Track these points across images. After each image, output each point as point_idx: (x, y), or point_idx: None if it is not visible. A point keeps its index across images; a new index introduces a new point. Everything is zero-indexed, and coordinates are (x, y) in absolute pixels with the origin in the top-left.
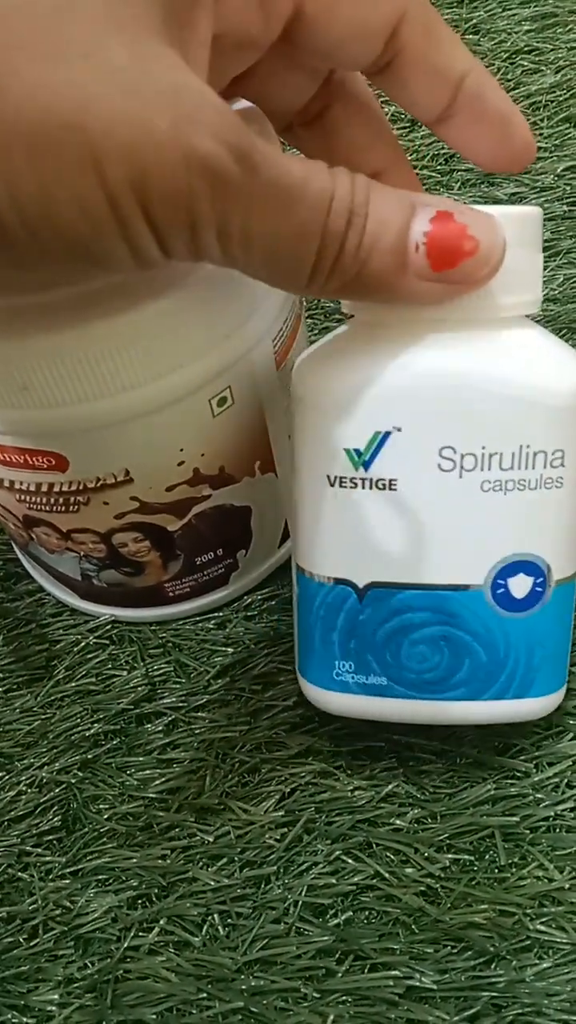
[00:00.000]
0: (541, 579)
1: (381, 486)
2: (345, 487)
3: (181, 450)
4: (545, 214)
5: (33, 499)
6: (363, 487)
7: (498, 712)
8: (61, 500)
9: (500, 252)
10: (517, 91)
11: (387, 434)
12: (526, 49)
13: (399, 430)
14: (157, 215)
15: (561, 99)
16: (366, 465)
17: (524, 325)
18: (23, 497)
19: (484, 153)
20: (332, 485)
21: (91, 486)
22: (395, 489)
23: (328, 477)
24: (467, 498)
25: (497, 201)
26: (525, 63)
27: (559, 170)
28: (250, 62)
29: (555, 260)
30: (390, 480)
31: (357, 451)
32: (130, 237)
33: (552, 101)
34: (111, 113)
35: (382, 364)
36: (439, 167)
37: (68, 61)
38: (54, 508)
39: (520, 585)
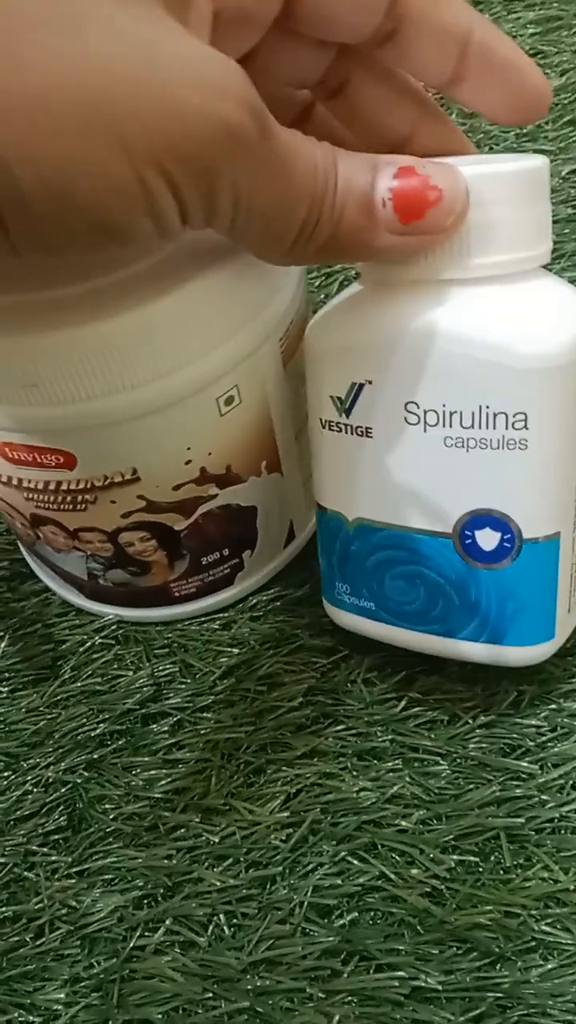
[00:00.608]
0: (509, 536)
1: (359, 432)
2: (333, 431)
3: (188, 449)
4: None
5: (41, 497)
6: (346, 432)
7: (475, 652)
8: (69, 498)
9: (463, 199)
10: None
11: (361, 386)
12: (531, 52)
13: (370, 383)
14: (182, 186)
15: (566, 102)
16: (347, 412)
17: (535, 279)
18: (31, 495)
19: (500, 106)
20: (324, 427)
21: (99, 484)
22: (371, 437)
23: (321, 420)
24: (432, 452)
25: None
26: None
27: (564, 173)
28: (254, 40)
29: (560, 263)
30: (366, 428)
31: (339, 399)
32: (155, 210)
33: (557, 104)
34: (136, 87)
35: (365, 320)
36: None
37: (90, 36)
38: (62, 507)
39: (487, 539)
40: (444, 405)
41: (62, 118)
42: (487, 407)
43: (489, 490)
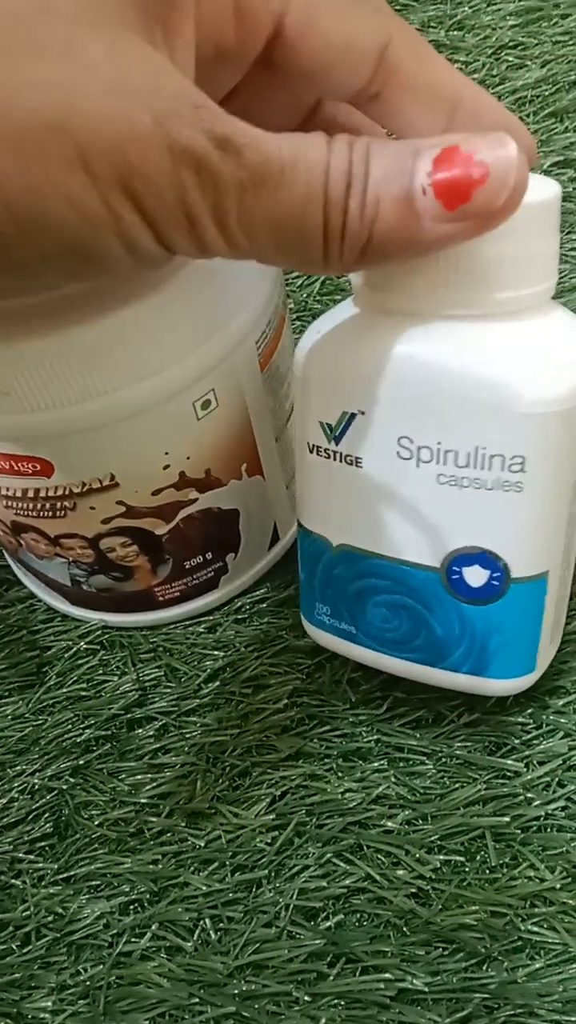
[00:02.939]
0: (498, 574)
1: (348, 461)
2: (321, 456)
3: (166, 453)
4: None
5: (20, 505)
6: (334, 459)
7: (454, 681)
8: (48, 505)
9: (517, 171)
10: (503, 86)
11: (353, 415)
12: (511, 44)
13: (363, 413)
14: (150, 208)
15: (547, 94)
16: (336, 440)
17: (544, 314)
18: (10, 503)
19: None
20: (311, 452)
21: (77, 491)
22: (360, 467)
23: (308, 444)
24: (424, 487)
25: None
26: (510, 58)
27: (546, 166)
28: (235, 78)
29: None
30: (356, 458)
31: (329, 426)
32: (124, 233)
33: (538, 96)
34: (94, 111)
35: (361, 349)
36: None
37: (49, 61)
38: (41, 513)
39: (475, 575)
40: (439, 443)
41: (22, 141)
42: (484, 448)
43: (481, 529)
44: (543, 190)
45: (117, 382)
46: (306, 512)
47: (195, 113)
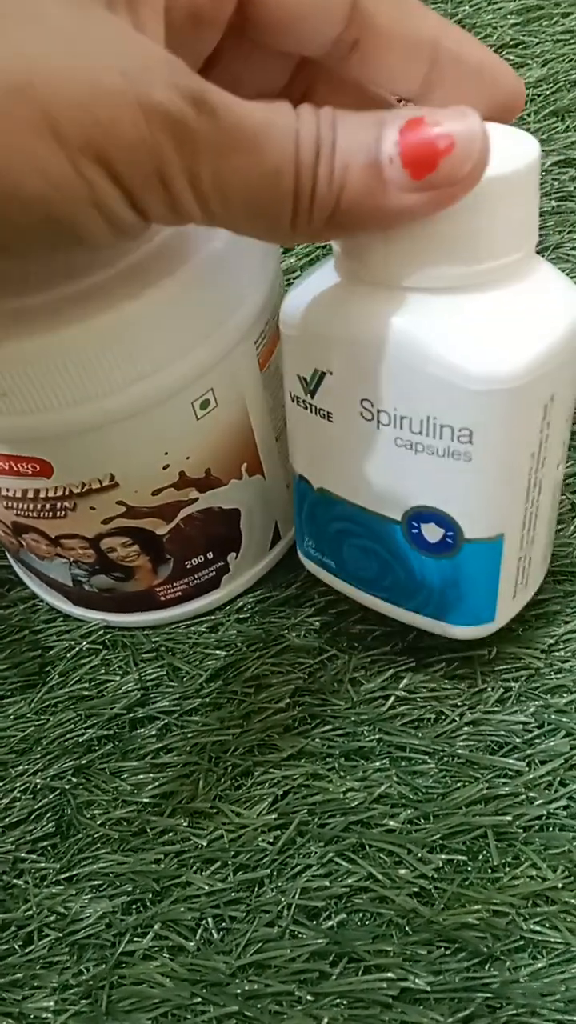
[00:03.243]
0: (452, 533)
1: (322, 415)
2: (300, 406)
3: (166, 453)
4: None
5: (20, 505)
6: (310, 411)
7: (419, 621)
8: (48, 506)
9: (480, 142)
10: None
11: (323, 374)
12: (512, 43)
13: (331, 373)
14: (123, 172)
15: (548, 92)
16: (311, 394)
17: (518, 281)
18: (10, 504)
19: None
20: (293, 401)
21: (77, 491)
22: (331, 421)
23: (290, 394)
24: (384, 447)
25: None
26: (511, 57)
27: (547, 164)
28: (212, 42)
29: (544, 255)
30: (328, 412)
31: (305, 380)
32: (99, 199)
33: (539, 95)
34: (59, 74)
35: (329, 311)
36: None
37: (10, 28)
38: (41, 514)
39: (431, 532)
40: (395, 409)
41: None
42: (435, 418)
43: (434, 491)
44: (513, 158)
45: (114, 383)
46: (293, 457)
47: (168, 71)
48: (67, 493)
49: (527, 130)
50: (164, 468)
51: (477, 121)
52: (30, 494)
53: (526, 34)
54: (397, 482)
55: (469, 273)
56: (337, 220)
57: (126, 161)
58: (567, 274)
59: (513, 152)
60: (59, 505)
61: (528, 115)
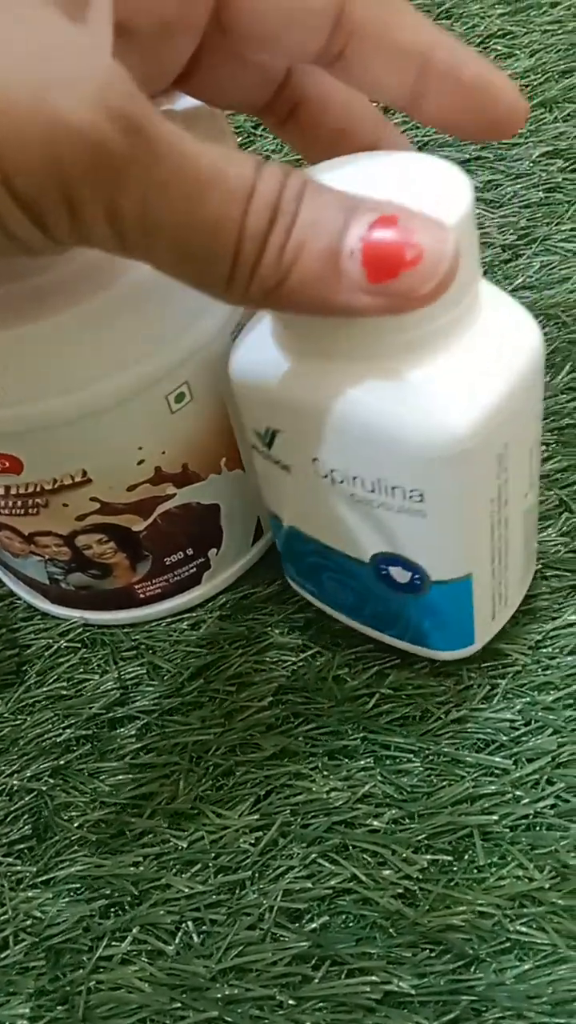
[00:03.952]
0: (419, 576)
1: (280, 466)
2: (260, 454)
3: (140, 448)
4: (521, 201)
5: None
6: (270, 460)
7: (403, 645)
8: (19, 503)
9: (449, 266)
10: None
11: (275, 431)
12: (499, 33)
13: (282, 433)
14: (23, 192)
15: (536, 83)
16: (268, 446)
17: (455, 340)
18: None
19: (470, 125)
20: (253, 448)
21: (48, 488)
22: (290, 472)
23: (251, 443)
24: (341, 500)
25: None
26: (499, 47)
27: (535, 156)
28: (186, 49)
29: (532, 247)
30: (285, 464)
31: (259, 434)
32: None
33: (527, 85)
34: None
35: (275, 371)
36: None
37: None
38: (13, 511)
39: (400, 574)
40: (346, 469)
41: None
42: (385, 480)
43: (395, 541)
44: (445, 211)
45: (85, 377)
46: (262, 493)
47: (97, 88)
48: (39, 490)
49: None
50: (139, 463)
51: (451, 241)
52: (0, 491)
53: (514, 24)
54: (359, 531)
55: (408, 339)
56: (278, 296)
57: (26, 182)
58: (555, 268)
59: (444, 202)
60: (31, 502)
61: None
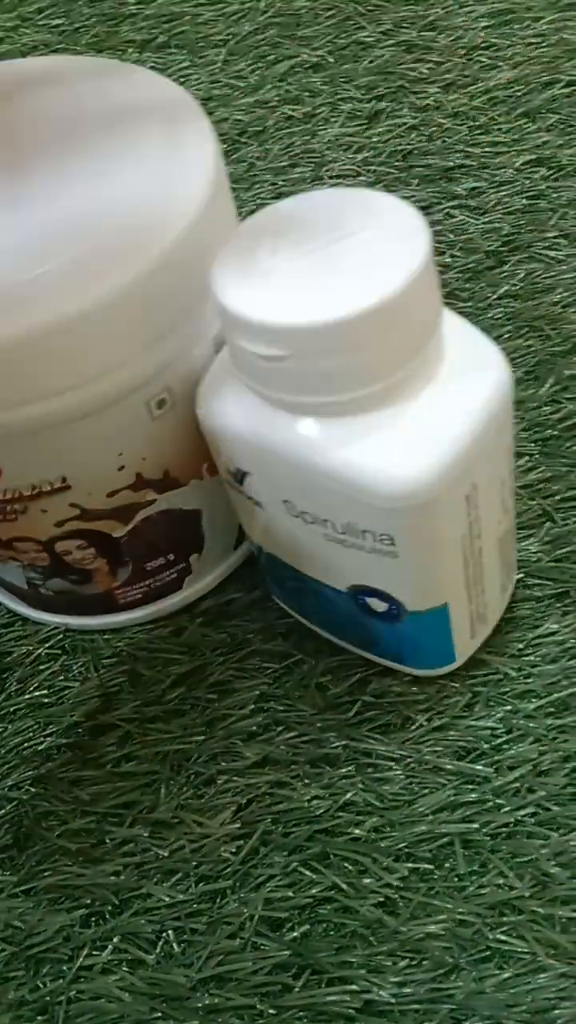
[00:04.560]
0: (395, 606)
1: (253, 502)
2: (233, 488)
3: (120, 454)
4: (505, 208)
5: None
6: (243, 496)
7: (385, 662)
8: None
9: None
10: (475, 87)
11: (245, 472)
12: (484, 45)
13: (251, 475)
14: None
15: (519, 94)
16: (239, 482)
17: (418, 391)
18: None
19: None
20: (227, 482)
21: (27, 494)
22: (263, 508)
23: (224, 477)
24: (315, 538)
25: (455, 196)
26: (483, 59)
27: (518, 164)
28: None
29: (516, 255)
30: (258, 501)
31: (230, 471)
32: None
33: (510, 97)
34: None
35: (241, 417)
36: (397, 163)
37: None
38: None
39: (377, 604)
40: (316, 513)
41: None
42: (355, 523)
43: (369, 575)
44: (398, 267)
45: (64, 383)
46: (241, 521)
47: None
48: (16, 496)
49: (499, 130)
50: (119, 469)
51: None
52: None
53: (498, 37)
54: (334, 564)
55: (371, 392)
56: None
57: None
58: (539, 276)
59: (403, 246)
60: (8, 508)
61: (499, 116)
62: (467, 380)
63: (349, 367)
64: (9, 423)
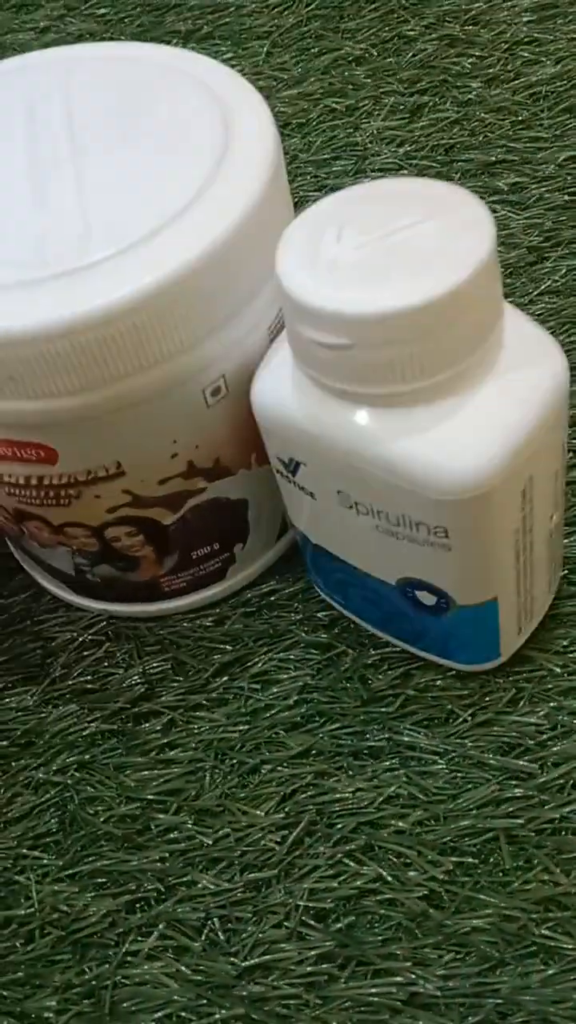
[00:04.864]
0: (444, 600)
1: (305, 492)
2: (285, 479)
3: (174, 442)
4: (546, 204)
5: (23, 492)
6: (295, 486)
7: (429, 657)
8: (51, 494)
9: None
10: (517, 81)
11: (298, 463)
12: (526, 40)
13: (305, 465)
14: None
15: (562, 89)
16: (292, 474)
17: (475, 386)
18: (13, 491)
19: None
20: (278, 473)
21: (82, 479)
22: (315, 499)
23: (275, 467)
24: (366, 530)
25: (497, 191)
26: (525, 54)
27: (560, 160)
28: None
29: (557, 251)
30: (310, 491)
31: (283, 462)
32: None
33: (552, 92)
34: None
35: (296, 407)
36: (439, 157)
37: None
38: (44, 502)
39: (426, 597)
40: (370, 504)
41: None
42: (408, 516)
43: (420, 568)
44: (467, 252)
45: (124, 369)
46: (288, 512)
47: None
48: (72, 481)
49: (541, 126)
50: (172, 457)
51: None
52: (33, 481)
53: (540, 31)
54: (384, 556)
55: (431, 383)
56: None
57: None
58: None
59: (467, 240)
60: (63, 493)
61: (542, 111)
62: (526, 371)
63: (414, 357)
64: (69, 409)
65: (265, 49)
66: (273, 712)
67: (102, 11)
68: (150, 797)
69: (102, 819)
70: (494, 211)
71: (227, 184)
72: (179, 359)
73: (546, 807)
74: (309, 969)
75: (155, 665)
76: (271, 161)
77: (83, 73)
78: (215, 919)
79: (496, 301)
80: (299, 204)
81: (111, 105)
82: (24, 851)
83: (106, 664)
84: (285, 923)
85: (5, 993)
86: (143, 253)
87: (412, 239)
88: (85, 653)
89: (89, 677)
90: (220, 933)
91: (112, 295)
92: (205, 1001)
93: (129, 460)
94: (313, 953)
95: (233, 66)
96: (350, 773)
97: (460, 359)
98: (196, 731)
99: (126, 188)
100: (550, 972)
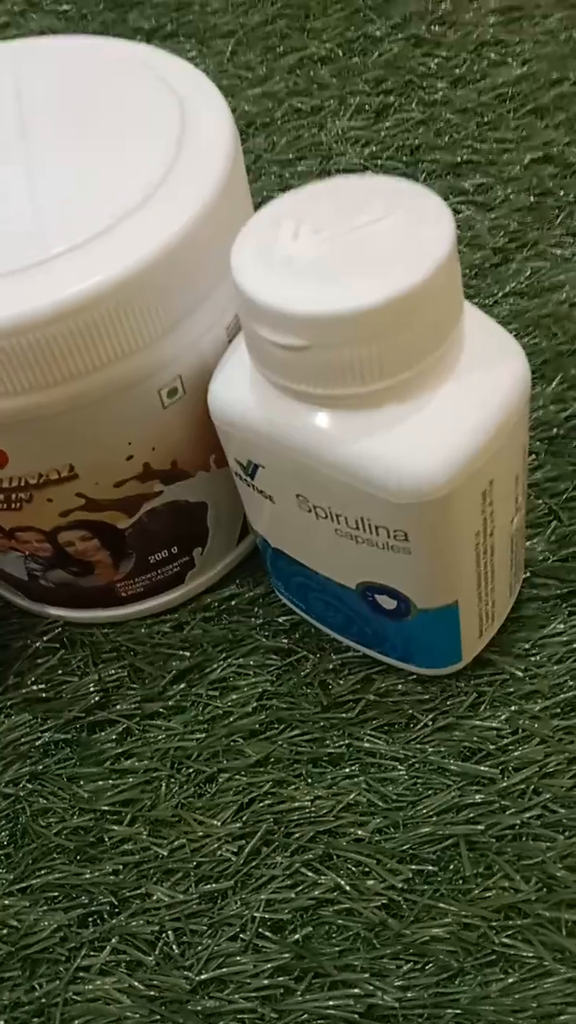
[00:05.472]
0: (404, 603)
1: (263, 495)
2: (243, 483)
3: (129, 444)
4: (512, 205)
5: None
6: (253, 489)
7: (390, 661)
8: (1, 497)
9: None
10: (483, 82)
11: (257, 465)
12: (493, 41)
13: (263, 467)
14: None
15: (528, 91)
16: (251, 477)
17: (434, 388)
18: None
19: None
20: (237, 476)
21: (33, 482)
22: (274, 502)
23: (233, 470)
24: (325, 534)
25: (462, 192)
26: (492, 55)
27: (526, 161)
28: None
29: (522, 252)
30: (269, 495)
31: (242, 464)
32: None
33: (519, 93)
34: None
35: (254, 409)
36: (404, 158)
37: None
38: None
39: (386, 601)
40: (328, 507)
41: None
42: (368, 519)
43: (381, 572)
44: (423, 255)
45: (77, 368)
46: (248, 514)
47: None
48: (22, 484)
49: (507, 128)
50: (128, 459)
51: None
52: None
53: (507, 33)
54: (344, 560)
55: (389, 385)
56: None
57: None
58: (545, 274)
59: (428, 237)
60: (14, 496)
61: (508, 113)
62: (487, 373)
63: (372, 358)
64: (18, 409)
65: (230, 48)
66: (232, 719)
67: (64, 7)
68: (104, 808)
69: (54, 831)
70: (459, 212)
71: (183, 179)
72: (133, 359)
73: (507, 812)
74: (265, 982)
75: (111, 672)
76: (228, 155)
77: (36, 64)
78: (169, 932)
79: (456, 301)
80: (263, 204)
81: (65, 97)
82: None
83: (60, 672)
84: (241, 935)
85: None
86: (95, 249)
87: (371, 236)
88: (39, 661)
89: (43, 685)
90: (174, 947)
91: (63, 292)
92: (158, 1017)
93: (82, 462)
94: (269, 966)
95: (197, 65)
96: (309, 781)
97: (419, 360)
98: (152, 740)
99: (79, 183)
100: (510, 980)
